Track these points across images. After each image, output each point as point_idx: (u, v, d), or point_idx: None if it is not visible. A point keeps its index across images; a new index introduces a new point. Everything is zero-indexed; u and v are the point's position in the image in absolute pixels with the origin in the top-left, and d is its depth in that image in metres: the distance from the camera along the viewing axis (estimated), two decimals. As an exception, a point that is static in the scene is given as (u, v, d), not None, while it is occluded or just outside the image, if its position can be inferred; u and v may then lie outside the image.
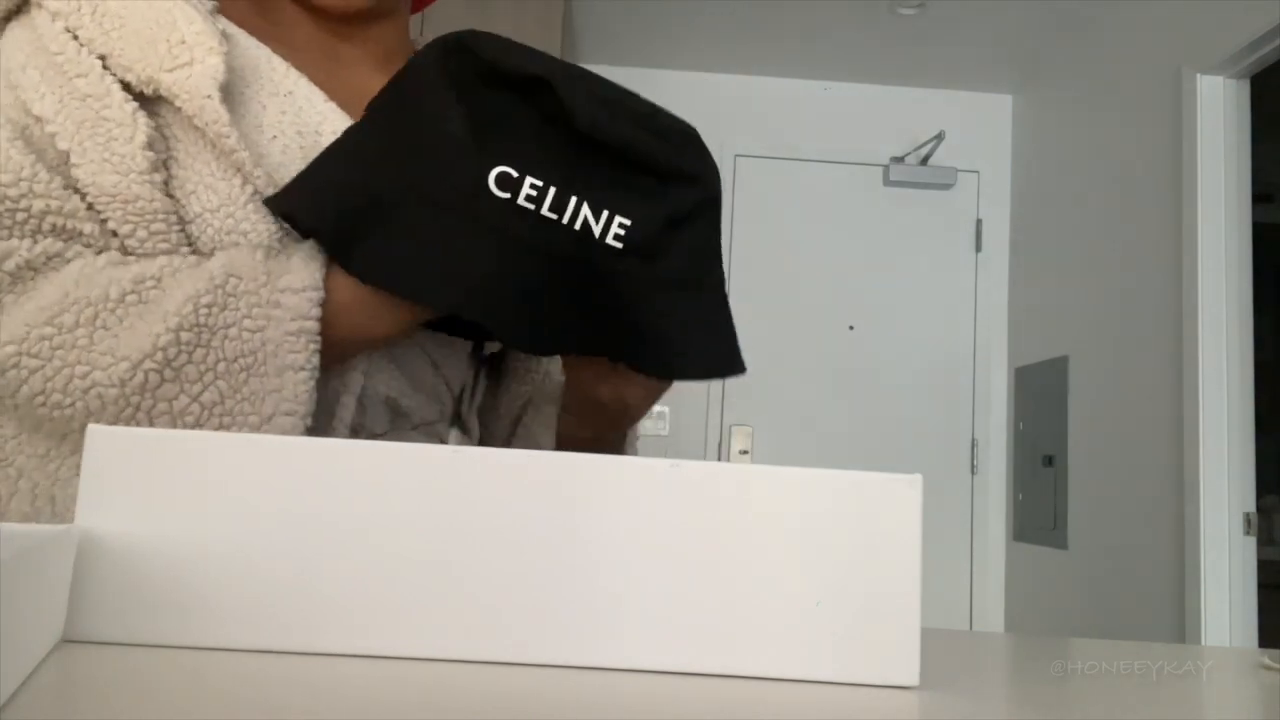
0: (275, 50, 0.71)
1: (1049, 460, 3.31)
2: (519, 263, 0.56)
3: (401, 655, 0.47)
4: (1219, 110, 2.59)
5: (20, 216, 0.60)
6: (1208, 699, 0.56)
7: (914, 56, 3.60)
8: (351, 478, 0.48)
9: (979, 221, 3.84)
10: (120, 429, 0.48)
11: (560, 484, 0.48)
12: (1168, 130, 2.73)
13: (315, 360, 0.59)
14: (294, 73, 0.69)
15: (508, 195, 0.55)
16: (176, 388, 0.58)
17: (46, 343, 0.57)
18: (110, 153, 0.61)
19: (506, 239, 0.56)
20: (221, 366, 0.58)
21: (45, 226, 0.60)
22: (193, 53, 0.63)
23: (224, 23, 0.69)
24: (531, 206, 0.56)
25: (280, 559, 0.47)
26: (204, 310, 0.58)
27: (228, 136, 0.62)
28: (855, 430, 3.69)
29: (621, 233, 0.57)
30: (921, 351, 3.77)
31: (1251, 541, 2.47)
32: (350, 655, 0.47)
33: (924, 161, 3.80)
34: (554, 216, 0.56)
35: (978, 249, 3.83)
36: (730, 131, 3.79)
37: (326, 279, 0.61)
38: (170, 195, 0.63)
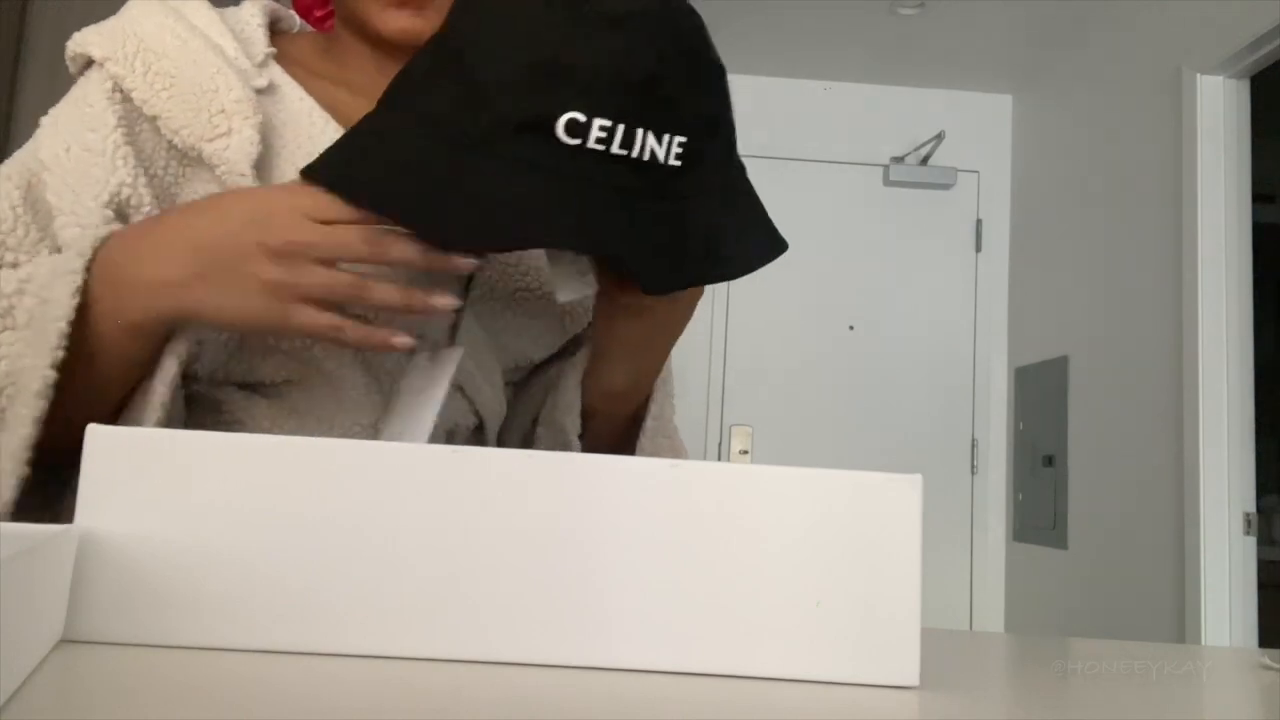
0: (335, 92, 0.73)
1: (1049, 460, 3.31)
2: (588, 198, 0.55)
3: (401, 655, 0.47)
4: (1219, 110, 2.59)
5: None
6: (1208, 699, 0.56)
7: (914, 56, 3.60)
8: (351, 477, 0.48)
9: (979, 221, 3.83)
10: (120, 429, 0.48)
11: (560, 484, 0.48)
12: (1168, 130, 2.73)
13: (66, 303, 0.55)
14: (332, 126, 0.70)
15: (578, 141, 0.54)
16: None
17: None
18: (80, 206, 0.64)
19: (577, 180, 0.55)
20: (26, 334, 0.56)
21: None
22: (230, 122, 0.66)
23: (274, 71, 0.71)
24: (602, 148, 0.55)
25: (280, 559, 0.47)
26: (25, 281, 0.57)
27: None
28: (855, 430, 3.69)
29: (680, 150, 0.57)
30: (921, 351, 3.77)
31: (1251, 541, 2.47)
32: (350, 655, 0.47)
33: (924, 162, 3.79)
34: (624, 152, 0.55)
35: (978, 249, 3.82)
36: (730, 131, 3.79)
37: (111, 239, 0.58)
38: None
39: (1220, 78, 2.59)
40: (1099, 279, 3.07)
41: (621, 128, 0.54)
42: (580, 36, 0.54)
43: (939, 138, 3.74)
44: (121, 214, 0.65)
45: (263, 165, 0.67)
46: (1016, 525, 3.56)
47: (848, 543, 0.49)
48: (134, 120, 0.67)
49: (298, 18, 0.83)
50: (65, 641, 0.46)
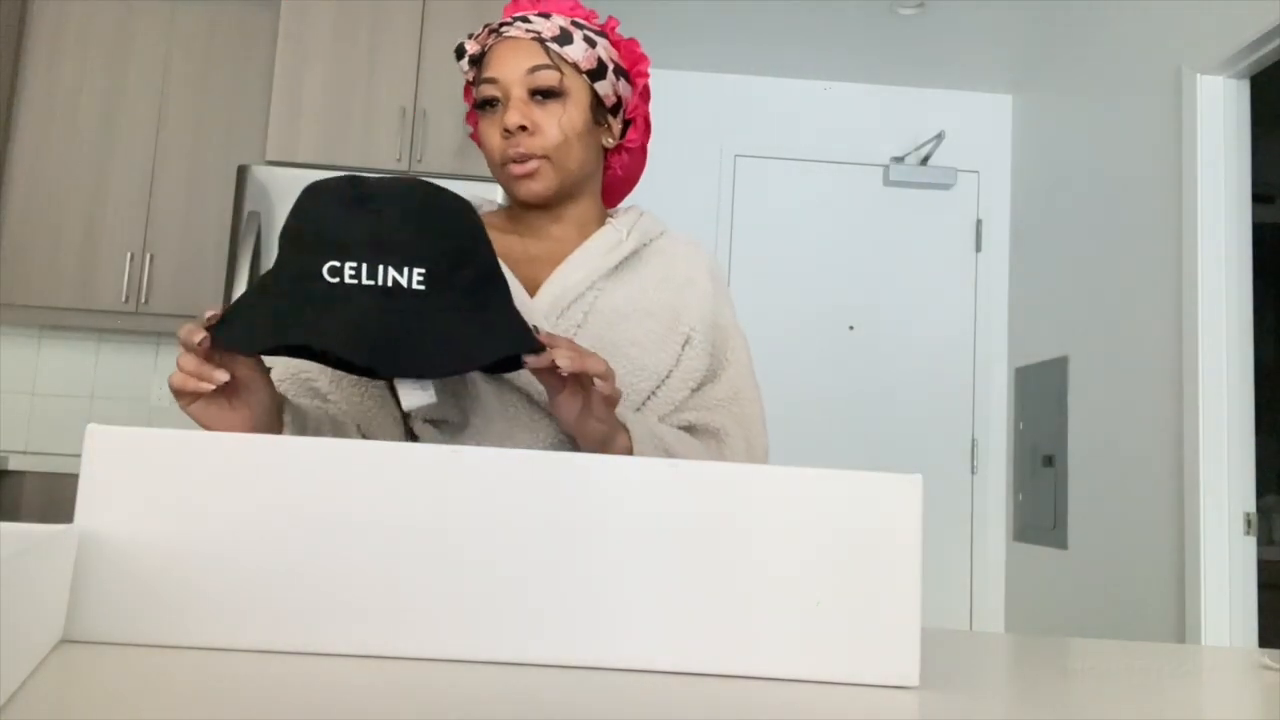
0: (510, 239, 1.07)
1: (1049, 460, 3.31)
2: (349, 313, 0.79)
3: (401, 655, 0.47)
4: (1219, 110, 2.59)
5: (307, 389, 0.98)
6: (1208, 699, 0.56)
7: (914, 56, 3.60)
8: (351, 478, 0.48)
9: (979, 221, 3.84)
10: (119, 428, 0.48)
11: (560, 484, 0.48)
12: (1168, 130, 2.73)
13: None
14: (503, 266, 0.96)
15: (337, 280, 0.80)
16: None
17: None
18: None
19: (337, 302, 0.79)
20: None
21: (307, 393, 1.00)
22: None
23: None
24: (354, 280, 0.81)
25: (279, 559, 0.47)
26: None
27: None
28: (855, 430, 3.69)
29: (422, 276, 0.81)
30: (921, 351, 3.77)
31: (1251, 541, 2.47)
32: (349, 655, 0.47)
33: (924, 161, 3.80)
34: (371, 282, 0.80)
35: (978, 249, 3.83)
36: (730, 131, 3.79)
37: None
38: None
39: (1220, 78, 2.59)
40: (1099, 279, 3.07)
41: (365, 266, 0.80)
42: (340, 215, 0.82)
43: (939, 138, 3.74)
44: None
45: None
46: (1016, 525, 3.56)
47: (848, 542, 0.49)
48: None
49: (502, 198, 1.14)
50: (65, 641, 0.46)
